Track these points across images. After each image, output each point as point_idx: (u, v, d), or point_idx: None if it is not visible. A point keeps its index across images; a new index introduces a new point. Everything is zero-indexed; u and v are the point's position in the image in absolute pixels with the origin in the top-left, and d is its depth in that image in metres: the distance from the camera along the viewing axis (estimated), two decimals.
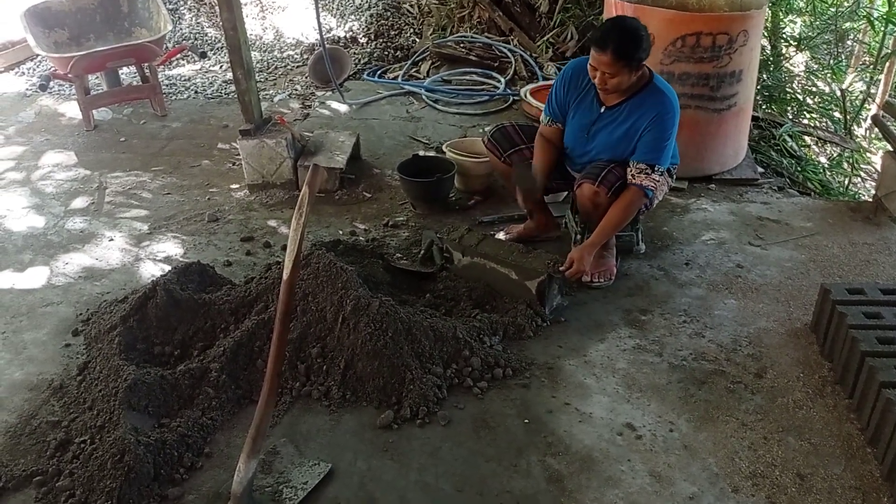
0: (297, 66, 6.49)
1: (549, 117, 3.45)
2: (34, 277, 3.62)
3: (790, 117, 5.85)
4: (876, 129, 4.96)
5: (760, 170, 4.52)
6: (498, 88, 5.58)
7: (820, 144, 6.38)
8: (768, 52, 6.46)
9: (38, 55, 6.39)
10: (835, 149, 6.29)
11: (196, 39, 6.97)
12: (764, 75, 5.99)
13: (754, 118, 5.37)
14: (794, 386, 2.84)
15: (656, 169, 3.17)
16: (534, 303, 3.18)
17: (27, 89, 6.03)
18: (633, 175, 3.19)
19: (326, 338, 2.87)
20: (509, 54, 5.91)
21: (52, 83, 5.36)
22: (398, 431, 2.64)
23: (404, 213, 4.07)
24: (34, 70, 6.38)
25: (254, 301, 3.05)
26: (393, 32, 6.99)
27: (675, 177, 3.54)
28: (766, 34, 6.32)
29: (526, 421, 2.68)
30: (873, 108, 5.87)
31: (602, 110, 3.28)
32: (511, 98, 5.44)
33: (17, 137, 5.16)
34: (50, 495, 2.44)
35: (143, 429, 2.57)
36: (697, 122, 4.11)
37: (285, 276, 2.25)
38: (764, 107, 5.81)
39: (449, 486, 2.44)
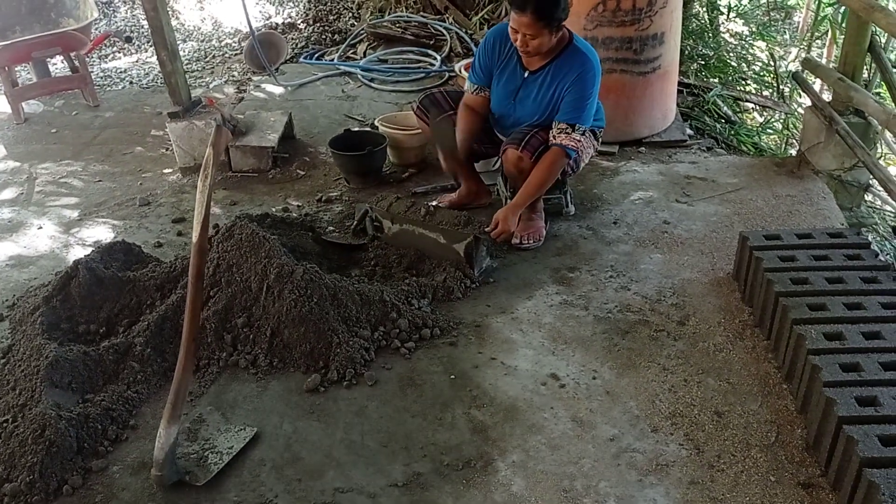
0: (235, 55, 6.45)
1: (476, 85, 3.47)
2: None
3: (725, 84, 5.95)
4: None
5: (690, 132, 4.59)
6: (434, 66, 5.60)
7: (757, 110, 6.50)
8: (706, 21, 6.57)
9: None
10: (772, 114, 6.42)
11: (132, 32, 6.88)
12: (699, 44, 6.10)
13: (687, 85, 5.46)
14: (714, 331, 2.90)
15: (577, 128, 3.21)
16: (462, 265, 3.20)
17: None
18: (554, 136, 3.22)
19: (252, 307, 2.87)
20: (445, 32, 5.93)
21: None
22: (325, 394, 2.66)
23: (338, 189, 4.07)
24: None
25: (179, 276, 3.04)
26: (332, 17, 6.97)
27: (600, 139, 3.58)
28: (698, 3, 6.43)
29: (452, 377, 2.71)
30: (794, 66, 6.00)
31: (526, 75, 3.31)
32: (447, 74, 5.46)
33: None
34: None
35: (65, 405, 2.55)
36: (623, 85, 4.17)
37: (194, 238, 2.26)
38: (697, 73, 5.91)
39: (374, 443, 2.46)
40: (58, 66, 6.03)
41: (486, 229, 3.24)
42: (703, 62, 6.14)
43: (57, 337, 2.85)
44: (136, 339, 2.79)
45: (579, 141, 3.24)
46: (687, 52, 5.86)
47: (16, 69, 5.24)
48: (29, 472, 2.33)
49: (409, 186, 4.06)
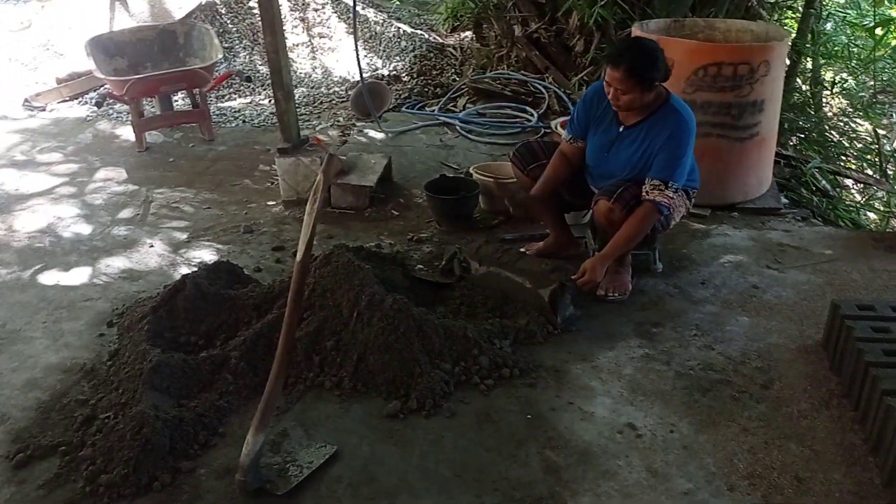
0: (342, 102, 6.77)
1: (571, 135, 3.58)
2: (77, 276, 3.84)
3: (824, 158, 5.88)
4: None
5: (785, 201, 4.55)
6: (531, 121, 5.74)
7: (857, 188, 6.37)
8: (808, 94, 6.53)
9: (100, 86, 6.80)
10: (874, 192, 6.29)
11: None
12: (799, 117, 6.06)
13: (785, 156, 5.43)
14: (799, 397, 2.85)
15: (670, 185, 3.25)
16: (546, 311, 3.26)
17: (87, 115, 6.41)
18: (647, 192, 3.27)
19: (342, 332, 2.99)
20: (543, 90, 6.09)
21: (107, 101, 5.71)
22: (404, 421, 2.73)
23: (429, 230, 4.21)
24: (94, 100, 6.78)
25: (276, 297, 3.20)
26: (435, 72, 7.25)
27: (693, 200, 3.61)
28: (801, 77, 6.42)
29: (528, 416, 2.75)
30: None
31: (621, 130, 3.39)
32: (542, 130, 5.59)
33: (73, 156, 5.49)
34: (72, 464, 2.59)
35: (163, 407, 2.71)
36: (720, 150, 4.19)
37: (298, 257, 2.40)
38: (797, 146, 5.86)
39: (448, 472, 2.51)
40: (179, 101, 6.46)
41: (573, 277, 3.29)
42: (802, 135, 6.09)
43: (160, 344, 3.04)
44: (231, 353, 2.95)
45: (672, 198, 3.28)
46: (786, 124, 5.83)
47: (143, 102, 5.65)
48: (124, 466, 2.49)
49: (497, 233, 4.16)
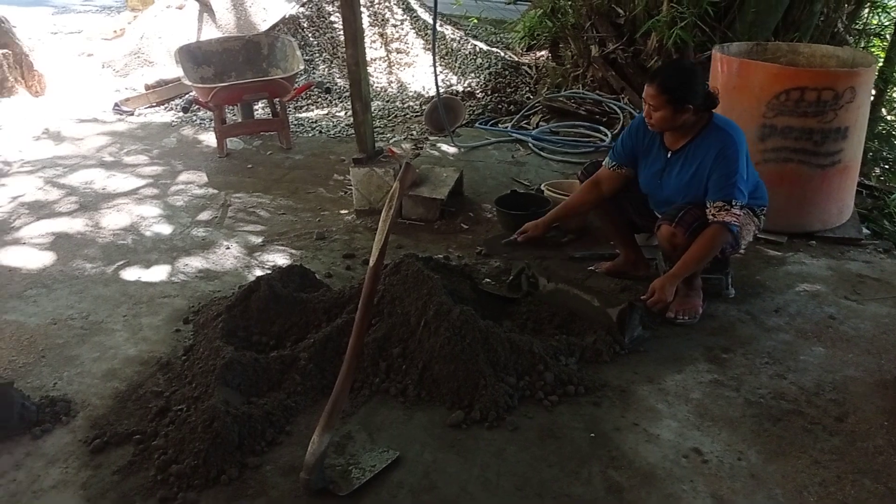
0: (416, 116, 6.87)
1: (614, 161, 3.56)
2: (157, 273, 3.99)
3: None
4: None
5: (866, 232, 4.41)
6: (604, 141, 5.72)
7: None
8: (893, 124, 6.32)
9: (185, 92, 7.07)
10: None
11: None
12: (884, 147, 5.87)
13: (868, 186, 5.26)
14: (876, 433, 2.75)
15: (734, 204, 3.19)
16: (613, 330, 3.23)
17: (172, 121, 6.67)
18: (713, 215, 3.22)
19: (408, 340, 3.03)
20: (618, 110, 6.06)
21: (193, 107, 5.93)
22: (466, 431, 2.74)
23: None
24: (180, 106, 7.04)
25: (346, 303, 3.27)
26: (509, 89, 7.30)
27: (762, 219, 3.53)
28: (887, 107, 6.22)
29: (592, 435, 2.73)
30: None
31: (669, 155, 3.38)
32: None
33: (158, 159, 5.71)
34: (145, 452, 2.68)
35: (233, 402, 2.79)
36: (799, 176, 4.10)
37: (371, 263, 2.45)
38: (881, 177, 5.67)
39: (509, 484, 2.51)
40: (259, 110, 6.66)
41: (642, 297, 3.26)
42: (887, 166, 5.90)
43: (233, 343, 3.13)
44: (300, 354, 3.01)
45: (738, 216, 3.21)
46: (871, 153, 5.66)
47: (226, 109, 5.85)
48: (195, 458, 2.56)
49: (567, 250, 4.15)
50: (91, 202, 4.92)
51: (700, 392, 2.97)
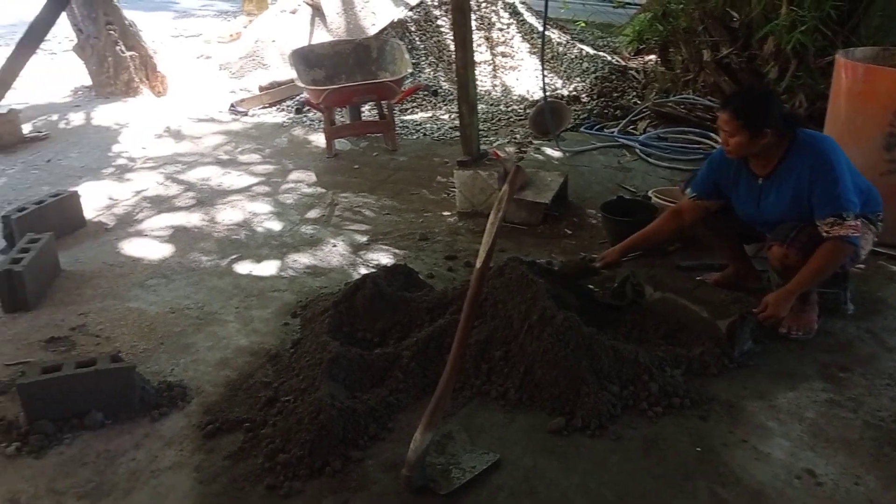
0: (519, 120, 6.86)
1: (695, 192, 3.45)
2: (267, 268, 4.13)
3: None
4: None
5: None
6: (714, 148, 5.54)
7: None
8: None
9: (296, 94, 7.31)
10: None
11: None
12: None
13: None
14: None
15: (846, 216, 3.03)
16: (722, 342, 3.13)
17: (284, 121, 6.90)
18: (826, 232, 3.06)
19: (511, 343, 3.03)
20: None
21: (305, 108, 6.12)
22: (568, 438, 2.72)
23: (602, 251, 4.14)
24: (292, 107, 7.28)
25: (449, 303, 3.29)
26: (615, 94, 7.19)
27: (879, 226, 3.34)
28: None
29: (698, 449, 2.65)
30: None
31: (760, 182, 3.27)
32: None
33: (269, 158, 5.92)
34: (254, 440, 2.78)
35: (338, 396, 2.85)
36: None
37: (478, 264, 2.46)
38: None
39: (611, 494, 2.47)
40: (365, 112, 6.80)
41: (754, 311, 3.14)
42: None
43: (339, 338, 3.20)
44: (403, 353, 3.06)
45: (855, 226, 3.05)
46: None
47: (335, 110, 6.00)
48: (301, 448, 2.64)
49: (673, 259, 4.05)
50: (207, 198, 5.14)
51: (814, 411, 2.84)
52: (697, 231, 3.72)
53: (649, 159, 5.53)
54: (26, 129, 6.62)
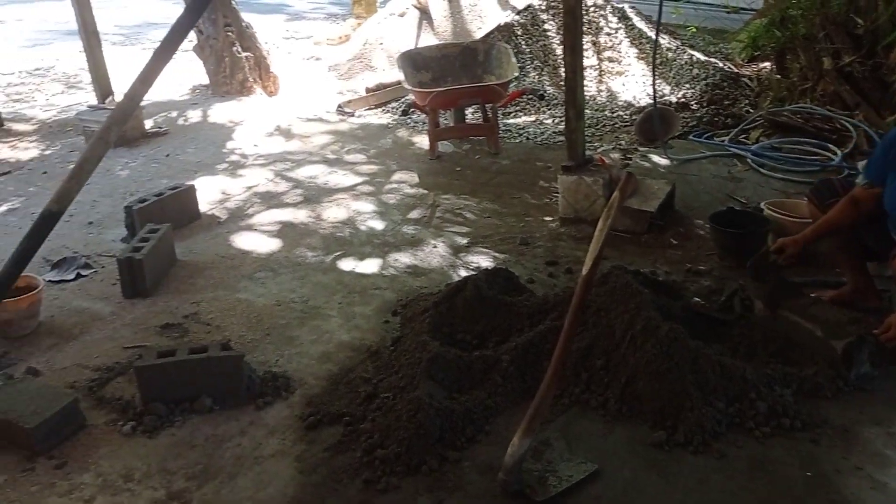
0: (625, 126, 6.73)
1: (867, 179, 3.25)
2: (370, 266, 4.21)
3: None
4: None
5: None
6: (833, 160, 5.30)
7: None
8: None
9: (402, 96, 7.41)
10: None
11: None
12: None
13: None
14: None
15: None
16: (837, 363, 2.98)
17: (389, 123, 7.01)
18: None
19: (612, 353, 2.97)
20: (851, 128, 5.58)
21: (411, 110, 6.20)
22: (669, 453, 2.65)
23: (709, 264, 4.04)
24: (397, 109, 7.39)
25: (550, 309, 3.27)
26: (727, 101, 6.95)
27: None
28: None
29: (808, 474, 2.53)
30: None
31: None
32: (847, 171, 5.12)
33: (374, 159, 6.02)
34: (353, 434, 2.84)
35: (436, 396, 2.87)
36: None
37: (584, 271, 2.43)
38: None
39: None
40: (469, 115, 6.83)
41: (875, 332, 2.98)
42: None
43: (438, 338, 3.23)
44: (503, 356, 3.05)
45: None
46: None
47: (439, 113, 6.06)
48: (399, 445, 2.67)
49: (786, 274, 3.87)
50: (314, 195, 5.28)
51: None
52: (820, 246, 3.55)
53: (762, 170, 5.32)
54: (148, 124, 6.98)
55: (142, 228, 4.25)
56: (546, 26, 8.18)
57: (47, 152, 6.56)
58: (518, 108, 7.36)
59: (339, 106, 7.42)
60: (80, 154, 6.20)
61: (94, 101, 7.36)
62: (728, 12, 9.19)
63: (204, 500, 2.59)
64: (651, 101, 6.17)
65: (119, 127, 1.96)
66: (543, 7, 8.25)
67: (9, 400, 2.92)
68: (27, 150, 6.63)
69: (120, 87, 7.63)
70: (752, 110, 6.56)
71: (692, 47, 8.26)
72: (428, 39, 8.21)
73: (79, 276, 4.21)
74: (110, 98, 7.12)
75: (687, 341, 2.89)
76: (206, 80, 8.49)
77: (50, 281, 4.09)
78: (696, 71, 7.57)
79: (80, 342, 3.57)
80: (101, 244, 4.64)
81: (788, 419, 2.76)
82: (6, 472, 2.75)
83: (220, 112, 7.55)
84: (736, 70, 7.69)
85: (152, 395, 3.01)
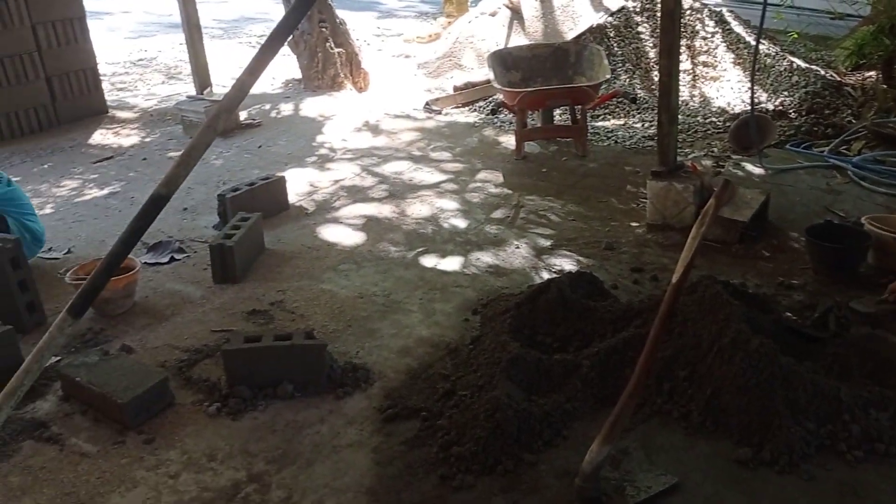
0: (718, 133, 6.55)
1: None
2: (451, 264, 4.23)
3: None
4: None
5: None
6: None
7: None
8: None
9: (489, 96, 7.41)
10: None
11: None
12: None
13: None
14: None
15: None
16: None
17: (475, 122, 7.01)
18: None
19: (697, 364, 2.89)
20: None
21: (500, 110, 6.18)
22: (754, 471, 2.57)
23: (803, 278, 3.89)
24: (484, 108, 7.39)
25: (634, 316, 3.21)
26: (827, 111, 6.67)
27: None
28: None
29: None
30: None
31: None
32: None
33: (459, 157, 6.03)
34: (430, 430, 2.85)
35: (514, 397, 2.86)
36: None
37: (675, 278, 2.37)
38: None
39: None
40: (557, 116, 6.76)
41: None
42: None
43: (518, 339, 3.21)
44: (583, 361, 3.01)
45: None
46: None
47: (527, 113, 6.02)
48: (475, 444, 2.67)
49: (884, 293, 3.69)
50: (399, 191, 5.33)
51: None
52: None
53: (863, 183, 5.09)
54: (242, 116, 7.18)
55: (233, 216, 4.37)
56: (640, 28, 8.03)
57: (147, 139, 6.83)
58: (607, 110, 7.24)
59: (427, 103, 7.47)
60: (189, 141, 6.47)
61: (192, 91, 7.63)
62: (832, 18, 8.82)
63: (282, 483, 2.64)
64: (747, 108, 5.99)
65: (227, 116, 2.01)
66: (637, 9, 8.10)
67: (104, 375, 3.05)
68: (129, 137, 6.92)
69: (217, 79, 7.92)
70: (854, 121, 6.28)
71: (792, 53, 7.96)
72: (518, 39, 8.18)
73: (172, 259, 4.37)
74: (208, 89, 7.37)
75: (778, 357, 2.78)
76: (298, 75, 8.67)
77: (146, 263, 4.26)
78: (795, 78, 7.30)
79: (172, 323, 3.70)
80: (194, 230, 4.80)
81: (883, 444, 2.64)
82: (99, 443, 2.87)
83: (312, 106, 7.71)
84: (839, 79, 7.37)
85: (237, 378, 3.10)
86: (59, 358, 3.35)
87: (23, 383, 2.00)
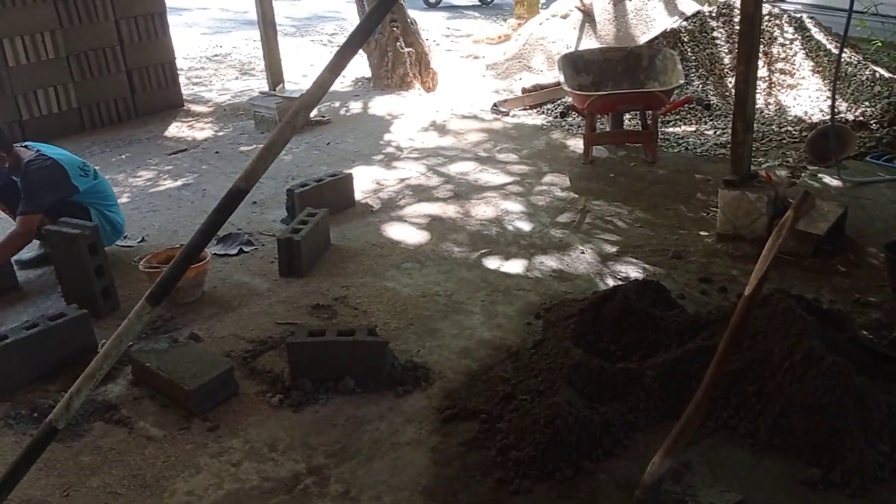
0: (793, 142, 6.36)
1: None
2: (514, 266, 4.21)
3: None
4: None
5: None
6: None
7: None
8: None
9: (557, 98, 7.36)
10: None
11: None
12: None
13: None
14: None
15: None
16: None
17: (543, 124, 6.97)
18: None
19: (767, 379, 2.81)
20: None
21: (569, 112, 6.11)
22: (822, 493, 2.48)
23: (880, 295, 3.75)
24: (552, 110, 7.34)
25: (701, 328, 3.13)
26: None
27: None
28: None
29: None
30: None
31: None
32: None
33: (526, 159, 6.01)
34: (489, 432, 2.84)
35: (575, 404, 2.82)
36: None
37: (748, 291, 2.31)
38: None
39: None
40: (627, 122, 6.66)
41: None
42: None
43: (581, 345, 3.17)
44: (647, 371, 2.95)
45: None
46: None
47: (597, 117, 5.95)
48: (534, 449, 2.65)
49: None
50: (464, 191, 5.33)
51: None
52: None
53: None
54: (312, 113, 7.28)
55: (301, 211, 4.44)
56: (715, 34, 7.84)
57: (220, 133, 7.00)
58: (678, 117, 7.10)
59: (495, 104, 7.45)
60: (260, 137, 6.61)
61: (265, 87, 7.79)
62: None
63: (341, 478, 2.67)
64: (825, 118, 5.80)
65: (307, 113, 2.04)
66: (713, 14, 7.92)
67: (173, 361, 3.14)
68: (203, 131, 7.10)
69: (289, 76, 8.05)
70: None
71: (875, 62, 7.68)
72: (589, 42, 8.09)
73: (241, 251, 4.46)
74: (280, 85, 7.50)
75: (852, 376, 2.68)
76: (368, 73, 8.76)
77: (216, 254, 4.36)
78: (878, 88, 7.03)
79: (238, 314, 3.78)
80: (262, 223, 4.89)
81: None
82: (166, 428, 2.95)
83: (380, 105, 7.78)
84: None
85: (300, 371, 3.14)
86: (130, 343, 3.44)
87: (102, 367, 2.06)
